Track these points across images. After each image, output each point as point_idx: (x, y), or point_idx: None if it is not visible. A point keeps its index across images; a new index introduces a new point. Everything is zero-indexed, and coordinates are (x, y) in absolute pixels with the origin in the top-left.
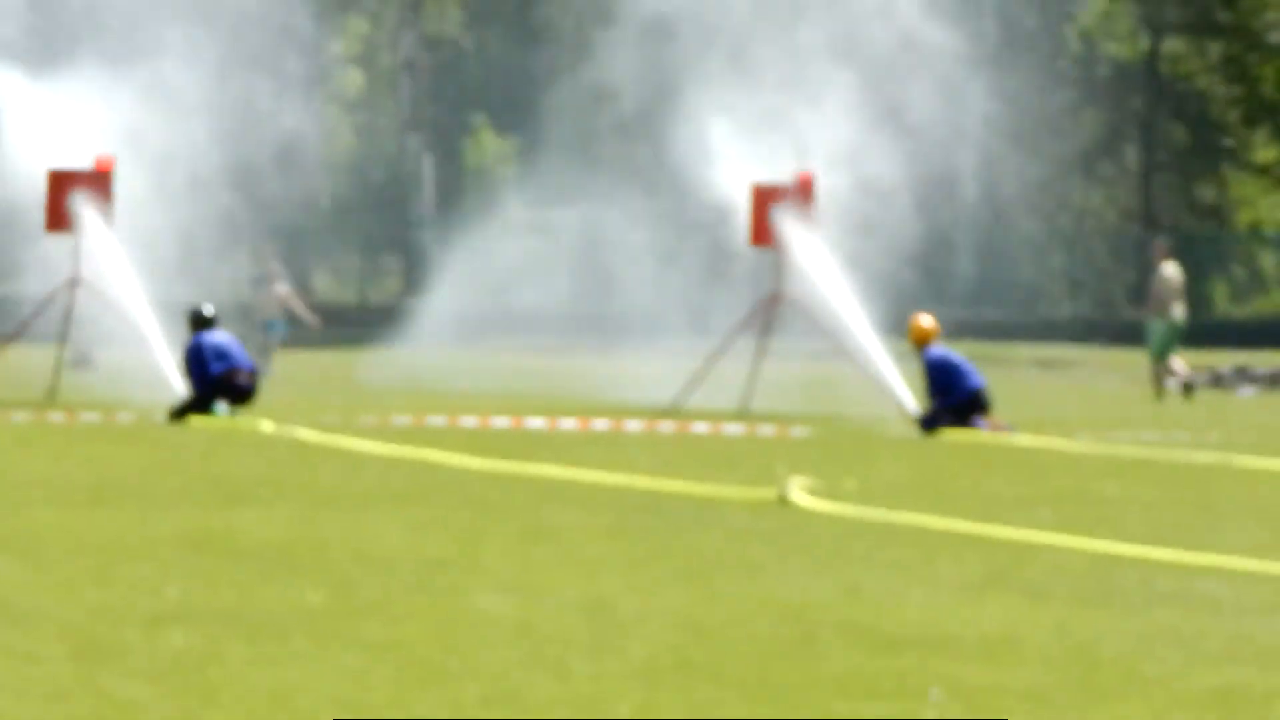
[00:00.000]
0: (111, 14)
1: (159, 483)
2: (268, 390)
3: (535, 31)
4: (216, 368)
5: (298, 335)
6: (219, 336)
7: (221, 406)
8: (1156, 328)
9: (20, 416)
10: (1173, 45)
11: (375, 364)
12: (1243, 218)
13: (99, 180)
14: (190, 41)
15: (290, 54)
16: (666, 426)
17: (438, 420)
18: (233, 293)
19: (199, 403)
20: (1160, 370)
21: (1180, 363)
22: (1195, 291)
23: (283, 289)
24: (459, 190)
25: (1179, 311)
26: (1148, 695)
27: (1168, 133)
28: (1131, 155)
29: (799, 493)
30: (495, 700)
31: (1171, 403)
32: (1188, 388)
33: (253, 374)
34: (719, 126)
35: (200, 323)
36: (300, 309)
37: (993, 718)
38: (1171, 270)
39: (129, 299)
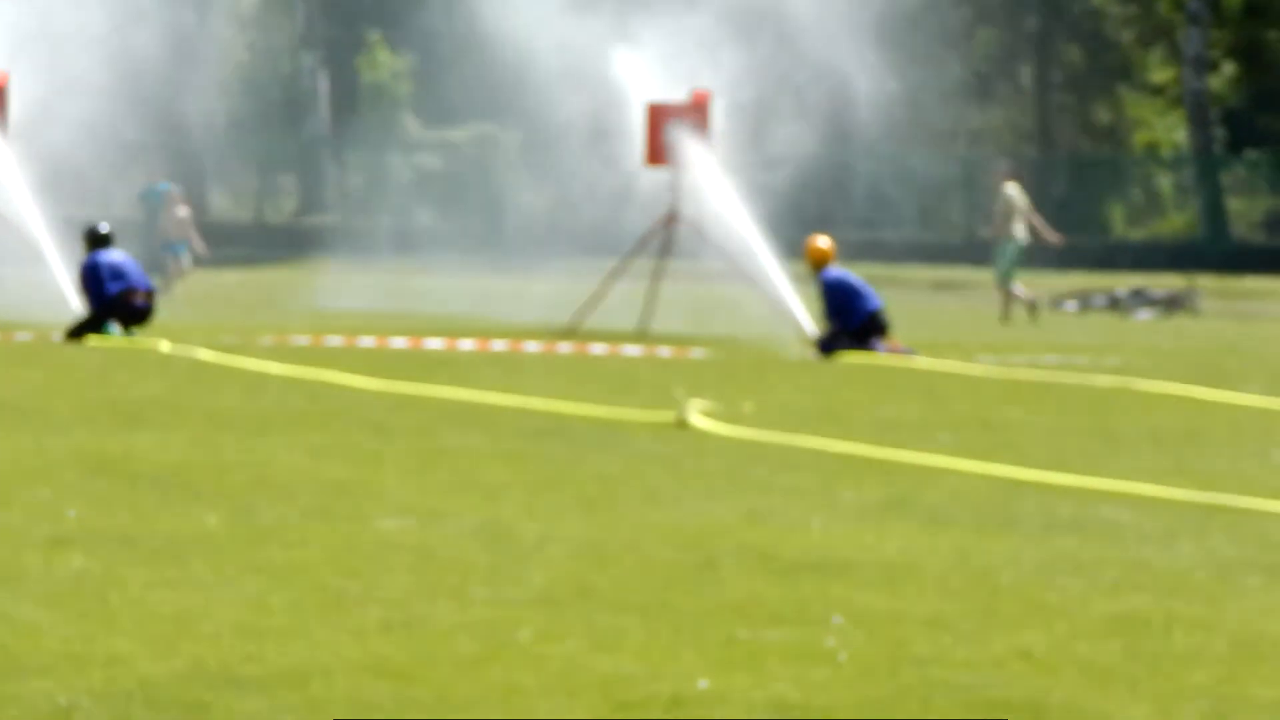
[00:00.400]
0: None
1: (55, 404)
2: (166, 310)
3: None
4: (112, 287)
5: (199, 254)
6: (115, 255)
7: (114, 327)
8: (1002, 249)
9: None
10: None
11: (271, 284)
12: (1139, 139)
13: None
14: None
15: None
16: (565, 348)
17: (335, 341)
18: (129, 212)
19: (94, 322)
20: (1006, 292)
21: (1020, 285)
22: (1092, 214)
23: (183, 212)
24: (354, 109)
25: (1021, 232)
26: (1048, 623)
27: (1063, 53)
28: (1027, 76)
29: (697, 416)
30: (396, 626)
31: (1019, 325)
32: (1031, 308)
33: (149, 294)
34: (615, 44)
35: (96, 241)
36: (194, 237)
37: (893, 643)
38: (1013, 191)
39: (25, 216)
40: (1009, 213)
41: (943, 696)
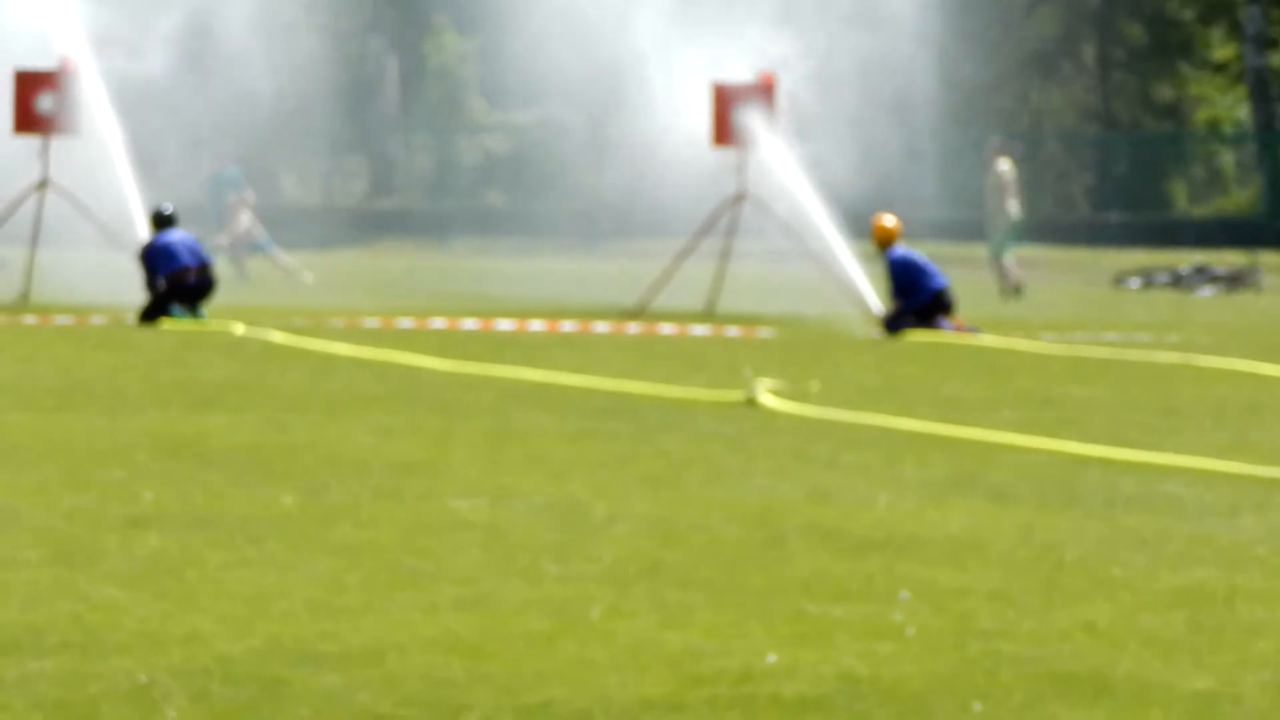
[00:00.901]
0: None
1: (128, 386)
2: (237, 292)
3: None
4: (164, 268)
5: (271, 236)
6: (173, 235)
7: (176, 309)
8: (997, 225)
9: None
10: None
11: (341, 267)
12: (1200, 116)
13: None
14: None
15: None
16: (633, 328)
17: (406, 323)
18: (197, 197)
19: (158, 305)
20: (1003, 267)
21: (1012, 262)
22: (1154, 191)
23: (246, 218)
24: (422, 92)
25: (1014, 208)
26: (1113, 596)
27: (1124, 31)
28: (1089, 54)
29: (765, 395)
30: (468, 603)
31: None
32: (1016, 289)
33: (203, 267)
34: (679, 27)
35: (160, 222)
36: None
37: (959, 618)
38: (1005, 167)
39: (98, 202)
40: (1003, 189)
41: (1008, 669)
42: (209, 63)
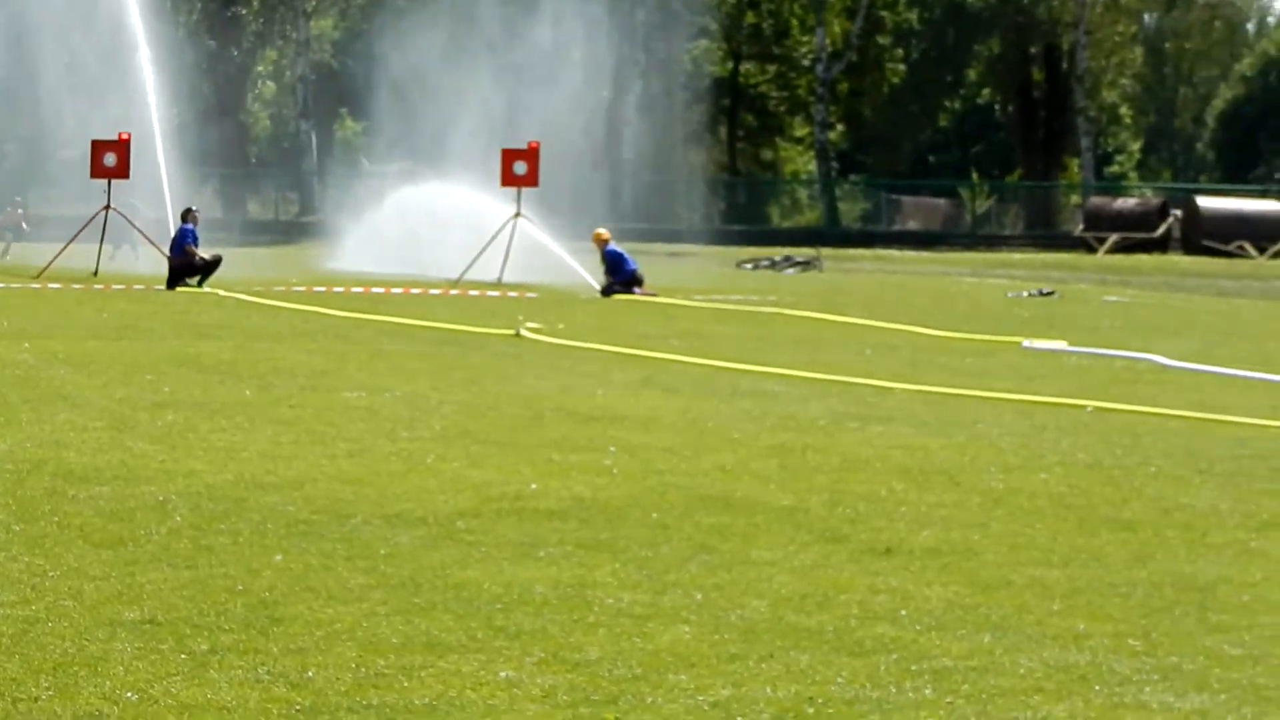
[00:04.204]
0: None
1: (157, 325)
2: (223, 270)
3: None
4: (176, 251)
5: (243, 238)
6: (187, 227)
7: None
8: None
9: (76, 286)
10: (746, 66)
11: (283, 257)
12: (788, 169)
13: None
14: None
15: (225, 74)
16: (454, 293)
17: (320, 289)
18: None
19: (172, 277)
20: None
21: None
22: (760, 212)
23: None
24: (331, 153)
25: None
26: (734, 450)
27: (744, 118)
28: (722, 132)
29: (529, 331)
30: (355, 453)
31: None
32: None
33: (171, 258)
34: (473, 105)
35: (184, 216)
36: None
37: (644, 462)
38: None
39: (145, 216)
40: None
41: (673, 493)
42: (204, 134)
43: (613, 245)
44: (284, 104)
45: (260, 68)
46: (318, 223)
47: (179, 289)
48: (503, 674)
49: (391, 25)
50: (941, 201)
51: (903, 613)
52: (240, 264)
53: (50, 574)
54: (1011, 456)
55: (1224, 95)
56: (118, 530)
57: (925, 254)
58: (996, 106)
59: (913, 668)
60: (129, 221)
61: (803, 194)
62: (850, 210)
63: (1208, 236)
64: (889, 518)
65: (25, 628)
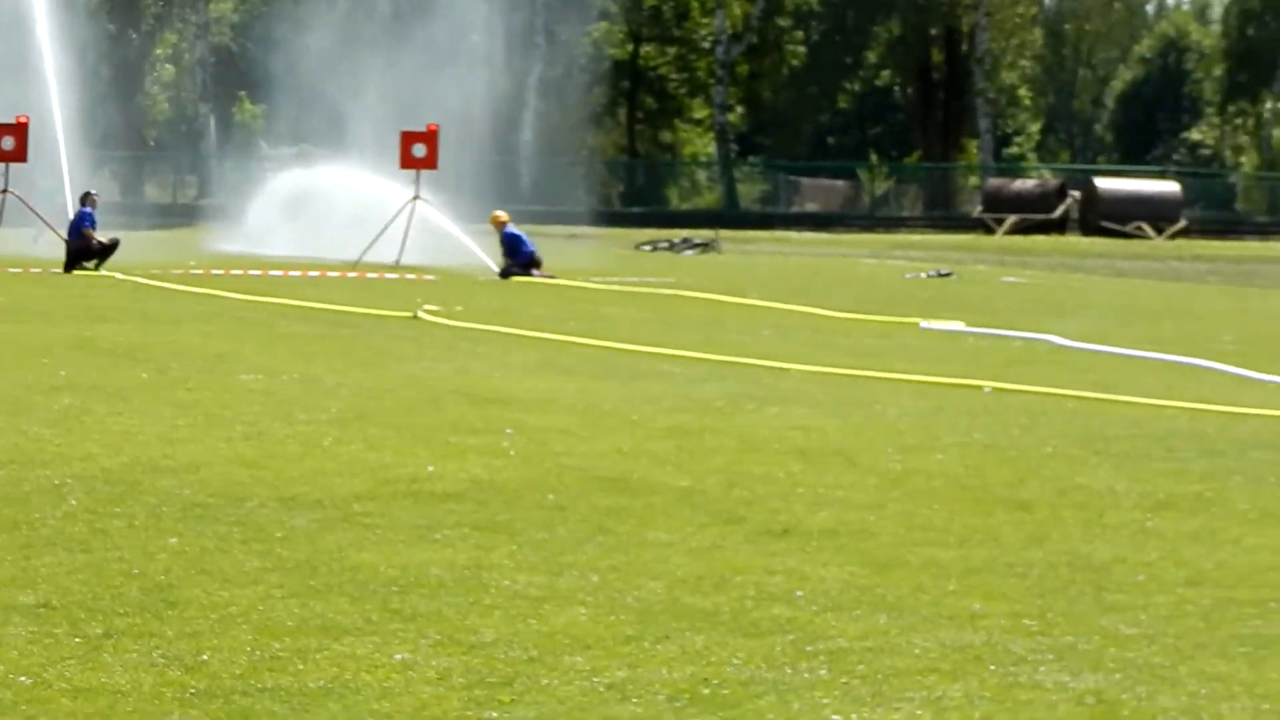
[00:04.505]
0: None
1: (55, 309)
2: (119, 255)
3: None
4: (73, 234)
5: (141, 221)
6: (85, 211)
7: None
8: None
9: None
10: (646, 48)
11: (181, 240)
12: (687, 151)
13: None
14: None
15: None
16: (353, 275)
17: (217, 272)
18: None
19: (69, 260)
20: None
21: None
22: (659, 194)
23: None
24: (230, 137)
25: None
26: (632, 431)
27: (643, 100)
28: (622, 114)
29: (427, 313)
30: (251, 436)
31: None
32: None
33: (71, 241)
34: (375, 91)
35: (83, 200)
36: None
37: (541, 444)
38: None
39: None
40: None
41: (569, 474)
42: (110, 120)
43: (511, 227)
44: (183, 87)
45: (159, 50)
46: (216, 206)
47: (76, 272)
48: (398, 656)
49: (291, 8)
50: (840, 183)
51: (799, 594)
52: (138, 247)
53: None
54: (908, 437)
55: (1123, 77)
56: (12, 514)
57: (823, 235)
58: (896, 88)
59: (808, 648)
60: (26, 205)
61: (702, 176)
62: (749, 192)
63: (1105, 217)
64: (785, 499)
65: None
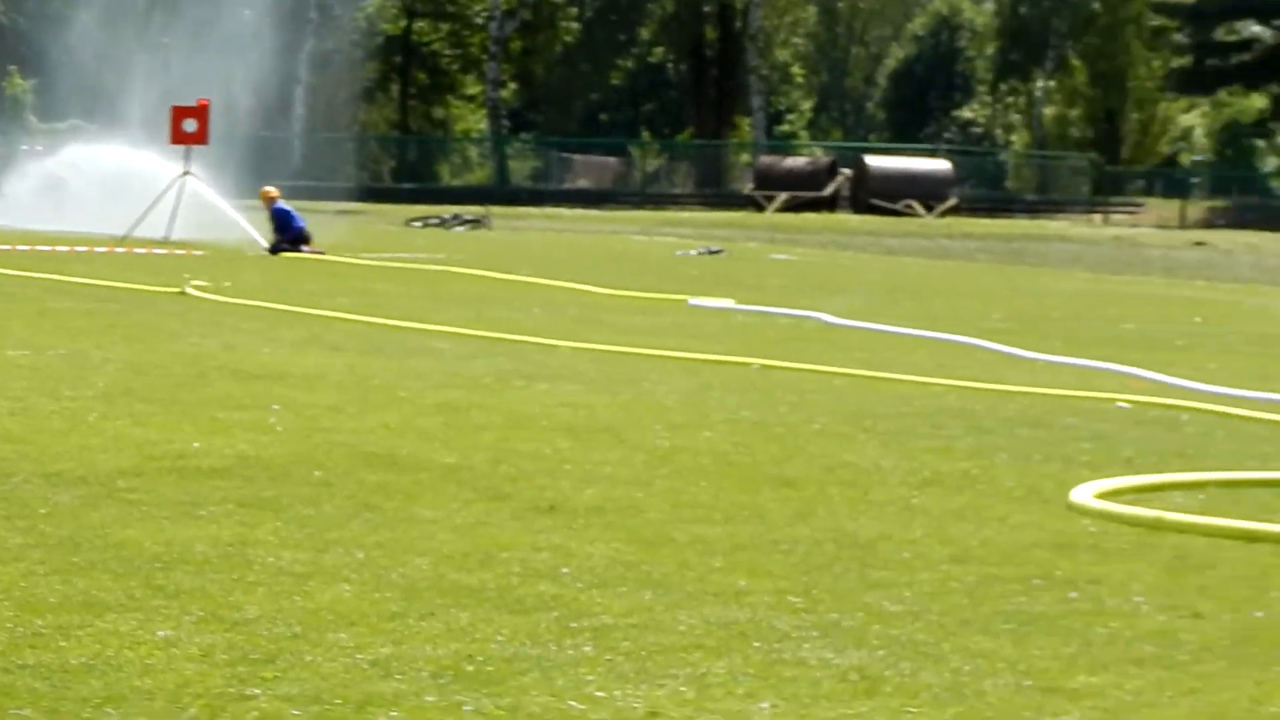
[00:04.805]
0: None
1: None
2: None
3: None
4: None
5: None
6: None
7: None
8: None
9: None
10: (419, 24)
11: None
12: (459, 127)
13: None
14: None
15: None
16: (121, 250)
17: None
18: None
19: None
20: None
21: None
22: (430, 170)
23: None
24: (1, 110)
25: None
26: (400, 407)
27: (416, 76)
28: (394, 90)
29: (195, 289)
30: (17, 411)
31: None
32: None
33: None
34: (147, 66)
35: None
36: None
37: (309, 420)
38: None
39: None
40: None
41: (337, 450)
42: None
43: (280, 203)
44: None
45: None
46: None
47: None
48: (161, 633)
49: None
50: (612, 160)
51: (564, 570)
52: None
53: None
54: (677, 414)
55: (895, 55)
56: None
57: (595, 212)
58: (669, 65)
59: (573, 625)
60: None
61: (474, 152)
62: (521, 169)
63: (876, 195)
64: (552, 476)
65: None
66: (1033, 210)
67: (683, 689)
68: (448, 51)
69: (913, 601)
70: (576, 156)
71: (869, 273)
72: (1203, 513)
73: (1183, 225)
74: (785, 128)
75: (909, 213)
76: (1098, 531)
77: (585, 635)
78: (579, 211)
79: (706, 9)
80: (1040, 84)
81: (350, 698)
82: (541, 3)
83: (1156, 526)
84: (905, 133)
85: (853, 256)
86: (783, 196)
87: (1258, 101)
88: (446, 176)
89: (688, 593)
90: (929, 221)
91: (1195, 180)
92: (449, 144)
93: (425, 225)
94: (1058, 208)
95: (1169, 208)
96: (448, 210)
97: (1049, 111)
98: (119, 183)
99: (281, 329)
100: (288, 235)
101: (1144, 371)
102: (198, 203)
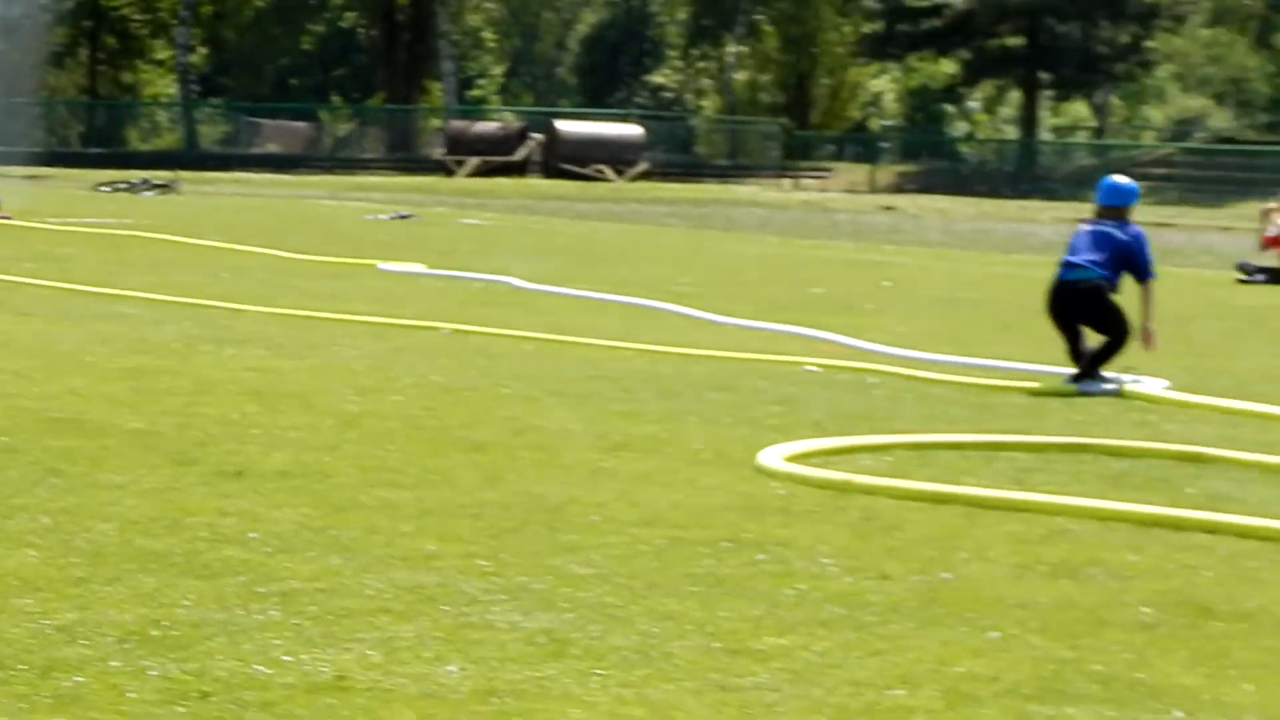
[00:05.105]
0: None
1: None
2: None
3: None
4: None
5: None
6: None
7: None
8: None
9: None
10: None
11: None
12: (148, 91)
13: None
14: None
15: None
16: None
17: None
18: None
19: None
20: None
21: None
22: (120, 134)
23: None
24: None
25: None
26: (86, 372)
27: (105, 41)
28: (83, 54)
29: None
30: None
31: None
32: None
33: None
34: None
35: None
36: None
37: None
38: None
39: None
40: None
41: (23, 416)
42: None
43: None
44: None
45: None
46: None
47: None
48: None
49: None
50: (302, 125)
51: (252, 535)
52: None
53: None
54: (365, 379)
55: (587, 20)
56: None
57: (284, 177)
58: (360, 30)
59: (260, 590)
60: None
61: (163, 117)
62: (210, 133)
63: (566, 160)
64: (240, 440)
65: None
66: (723, 175)
67: (370, 653)
68: (137, 16)
69: (601, 565)
70: (266, 121)
71: (559, 237)
72: (891, 475)
73: (872, 190)
74: (476, 93)
75: (600, 177)
76: (786, 494)
77: (272, 600)
78: (269, 176)
79: None
80: (732, 49)
81: (35, 663)
82: None
83: (845, 489)
84: (597, 98)
85: (543, 221)
86: (474, 162)
87: (947, 67)
88: (135, 141)
89: (376, 557)
90: (620, 186)
91: (885, 145)
92: (138, 109)
93: (114, 190)
94: (748, 172)
95: (859, 172)
96: (136, 175)
97: (740, 77)
98: None
99: None
100: None
101: (833, 335)
102: None
